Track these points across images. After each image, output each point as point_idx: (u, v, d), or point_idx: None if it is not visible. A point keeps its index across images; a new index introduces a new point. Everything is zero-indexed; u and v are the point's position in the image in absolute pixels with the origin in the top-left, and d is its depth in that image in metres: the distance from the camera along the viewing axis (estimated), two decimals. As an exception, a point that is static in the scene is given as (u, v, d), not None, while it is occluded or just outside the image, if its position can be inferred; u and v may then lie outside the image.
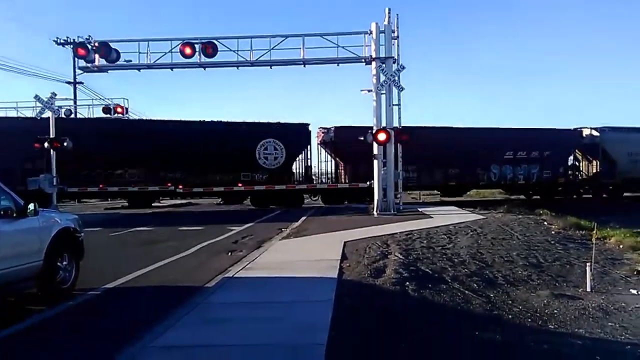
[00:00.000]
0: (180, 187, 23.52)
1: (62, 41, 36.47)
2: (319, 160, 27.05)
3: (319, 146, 26.54)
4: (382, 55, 18.03)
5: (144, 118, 27.52)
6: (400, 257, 8.72)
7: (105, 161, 23.25)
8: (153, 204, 26.19)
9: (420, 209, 19.23)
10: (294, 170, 25.61)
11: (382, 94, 18.02)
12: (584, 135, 28.73)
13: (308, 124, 25.19)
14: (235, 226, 15.50)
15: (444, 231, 12.19)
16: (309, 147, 25.56)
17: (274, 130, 24.36)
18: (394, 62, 18.02)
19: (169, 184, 23.54)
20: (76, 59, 19.91)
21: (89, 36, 19.78)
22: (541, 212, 16.51)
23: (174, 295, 6.80)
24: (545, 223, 13.78)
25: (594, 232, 9.10)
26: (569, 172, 29.25)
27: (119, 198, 27.43)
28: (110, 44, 18.47)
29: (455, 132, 26.36)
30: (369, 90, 18.69)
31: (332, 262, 8.47)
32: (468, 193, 29.91)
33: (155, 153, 23.21)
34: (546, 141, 27.36)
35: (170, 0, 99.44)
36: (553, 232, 12.06)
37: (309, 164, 25.81)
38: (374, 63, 18.14)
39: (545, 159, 27.40)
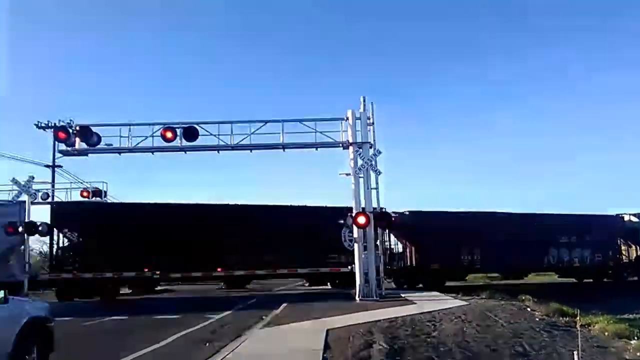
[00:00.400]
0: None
1: (42, 125, 36.74)
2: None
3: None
4: (359, 140, 18.61)
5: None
6: (385, 346, 8.47)
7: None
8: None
9: (402, 295, 18.96)
10: None
11: (360, 177, 18.38)
12: (625, 220, 31.06)
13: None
14: (214, 314, 14.98)
15: (428, 318, 11.96)
16: (387, 230, 25.89)
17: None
18: (370, 147, 18.57)
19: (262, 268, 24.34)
20: (56, 142, 20.01)
21: (71, 120, 20.12)
22: (523, 297, 16.42)
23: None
24: (529, 309, 13.66)
25: (578, 318, 9.05)
26: (617, 255, 31.02)
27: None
28: (91, 127, 18.68)
29: (517, 217, 28.11)
30: (347, 174, 19.07)
31: (315, 352, 8.17)
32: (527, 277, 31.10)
33: (252, 236, 23.67)
34: (596, 226, 29.38)
35: (149, 84, 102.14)
36: (537, 319, 11.92)
37: (389, 247, 27.11)
38: (351, 148, 18.67)
39: (597, 243, 29.18)
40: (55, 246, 24.24)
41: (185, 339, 10.71)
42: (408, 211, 26.83)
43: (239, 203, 25.75)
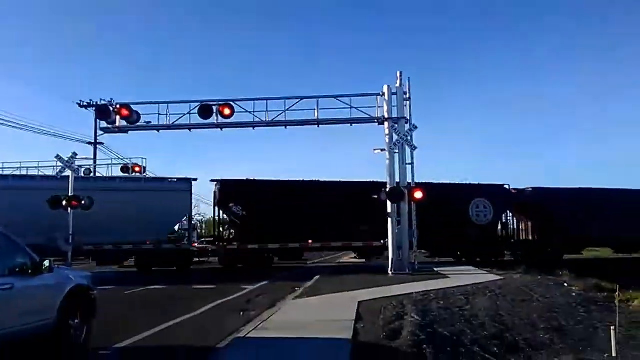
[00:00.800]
0: None
1: (84, 104, 37.77)
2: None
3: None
4: (395, 115, 18.38)
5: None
6: (417, 318, 8.49)
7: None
8: None
9: (436, 269, 18.88)
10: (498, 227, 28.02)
11: (395, 152, 18.23)
12: None
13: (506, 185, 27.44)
14: (249, 285, 15.33)
15: (461, 292, 11.90)
16: (510, 206, 27.80)
17: (484, 191, 26.69)
18: (406, 122, 18.33)
19: None
20: (98, 120, 20.56)
21: (111, 99, 20.44)
22: (561, 273, 16.09)
23: (185, 356, 6.66)
24: (566, 284, 13.40)
25: (617, 294, 8.82)
26: None
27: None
28: (131, 105, 19.13)
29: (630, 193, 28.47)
30: (382, 150, 18.90)
31: (347, 322, 8.27)
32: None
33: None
34: None
35: (186, 62, 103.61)
36: (574, 294, 11.70)
37: (506, 221, 28.36)
38: (386, 123, 18.47)
39: None
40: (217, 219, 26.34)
41: (220, 308, 11.01)
42: (531, 188, 27.75)
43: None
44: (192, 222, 27.88)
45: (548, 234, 27.31)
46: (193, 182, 24.93)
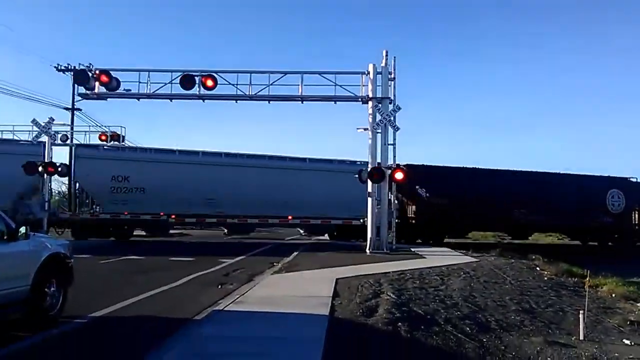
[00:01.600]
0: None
1: (62, 68, 36.75)
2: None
3: None
4: (379, 95, 18.34)
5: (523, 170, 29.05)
6: (393, 296, 8.64)
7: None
8: None
9: (413, 249, 19.16)
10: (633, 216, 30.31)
11: (377, 132, 18.25)
12: None
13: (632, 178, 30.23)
14: (227, 258, 15.35)
15: (436, 272, 12.12)
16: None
17: (618, 183, 29.30)
18: (390, 103, 18.31)
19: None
20: (76, 85, 20.11)
21: (90, 64, 20.07)
22: (533, 257, 16.50)
23: (161, 327, 6.66)
24: (538, 269, 13.74)
25: (587, 279, 9.09)
26: None
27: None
28: (111, 72, 18.70)
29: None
30: (365, 129, 18.91)
31: (324, 299, 8.38)
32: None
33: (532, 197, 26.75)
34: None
35: (168, 32, 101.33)
36: (545, 278, 12.02)
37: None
38: (370, 102, 18.43)
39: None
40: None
41: (198, 281, 11.02)
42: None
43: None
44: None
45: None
46: None
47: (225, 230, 31.06)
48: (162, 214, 23.61)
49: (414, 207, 27.06)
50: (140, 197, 23.42)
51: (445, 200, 25.52)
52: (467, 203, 25.49)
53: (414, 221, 26.45)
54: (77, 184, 24.69)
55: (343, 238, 25.16)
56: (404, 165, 25.86)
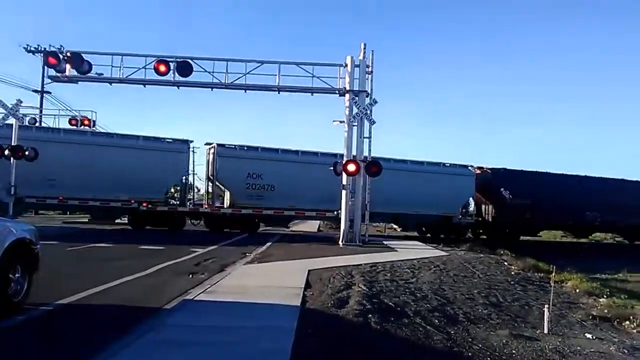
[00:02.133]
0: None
1: (32, 49, 35.66)
2: None
3: None
4: (356, 88, 18.38)
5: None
6: (364, 288, 8.70)
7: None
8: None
9: (385, 242, 19.34)
10: None
11: (354, 125, 18.30)
12: None
13: None
14: (199, 248, 15.21)
15: (408, 265, 12.27)
16: None
17: None
18: (367, 96, 18.38)
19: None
20: (46, 67, 19.55)
21: (61, 46, 19.59)
22: (502, 252, 16.85)
23: (129, 315, 6.57)
24: (506, 263, 14.04)
25: (552, 275, 9.33)
26: None
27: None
28: (82, 55, 18.22)
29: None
30: (341, 121, 18.95)
31: (296, 289, 8.38)
32: None
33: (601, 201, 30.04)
34: None
35: (144, 17, 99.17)
36: (513, 273, 12.29)
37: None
38: (347, 95, 18.45)
39: None
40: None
41: (169, 270, 10.90)
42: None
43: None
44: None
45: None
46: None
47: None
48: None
49: (492, 206, 29.38)
50: (270, 194, 24.83)
51: (527, 202, 28.20)
52: (544, 204, 28.17)
53: (493, 220, 29.08)
54: (216, 181, 25.51)
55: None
56: (489, 169, 29.49)
